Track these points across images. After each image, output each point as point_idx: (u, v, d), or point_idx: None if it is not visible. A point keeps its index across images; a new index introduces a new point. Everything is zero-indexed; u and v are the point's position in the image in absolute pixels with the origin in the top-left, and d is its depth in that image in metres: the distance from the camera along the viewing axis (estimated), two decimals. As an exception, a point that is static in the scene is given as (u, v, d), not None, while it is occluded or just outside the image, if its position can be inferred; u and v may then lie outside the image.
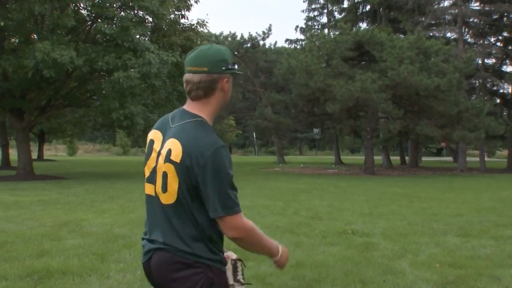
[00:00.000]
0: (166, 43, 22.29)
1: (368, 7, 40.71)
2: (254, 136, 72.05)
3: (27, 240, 7.27)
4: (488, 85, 34.59)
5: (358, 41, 26.59)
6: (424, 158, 53.20)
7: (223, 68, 2.11)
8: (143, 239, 2.22)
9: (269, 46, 50.58)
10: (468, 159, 32.62)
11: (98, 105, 22.45)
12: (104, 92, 20.69)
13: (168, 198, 2.05)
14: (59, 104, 24.56)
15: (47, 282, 5.14)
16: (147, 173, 2.17)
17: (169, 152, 2.04)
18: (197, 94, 2.13)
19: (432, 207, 12.02)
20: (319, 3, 46.23)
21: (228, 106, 47.91)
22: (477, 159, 34.81)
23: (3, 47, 20.95)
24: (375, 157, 30.08)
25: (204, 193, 2.01)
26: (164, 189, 2.05)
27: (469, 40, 35.64)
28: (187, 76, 2.14)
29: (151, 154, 2.16)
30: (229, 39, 46.87)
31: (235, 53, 47.31)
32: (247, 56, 47.11)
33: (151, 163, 2.15)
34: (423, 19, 33.98)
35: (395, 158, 42.88)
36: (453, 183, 21.11)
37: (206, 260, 2.06)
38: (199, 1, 24.49)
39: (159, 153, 2.10)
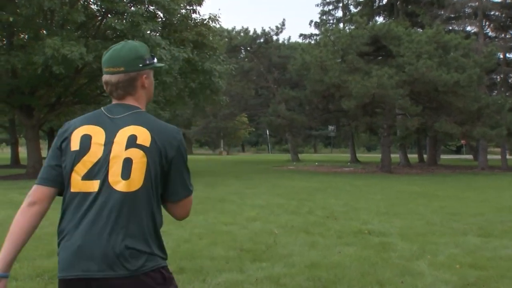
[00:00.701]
0: (178, 39, 22.30)
1: (385, 1, 40.48)
2: (268, 133, 71.92)
3: (37, 240, 7.30)
4: (510, 81, 34.28)
5: (375, 36, 26.42)
6: (443, 156, 52.81)
7: (140, 65, 2.13)
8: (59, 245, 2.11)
9: (283, 41, 50.42)
10: (489, 157, 32.32)
11: (108, 102, 22.53)
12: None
13: (131, 185, 1.98)
14: (68, 101, 24.73)
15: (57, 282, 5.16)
16: (83, 170, 2.02)
17: (132, 138, 2.02)
18: (118, 94, 2.15)
19: (452, 206, 11.94)
20: (334, -3, 46.08)
21: (240, 103, 47.96)
22: (499, 157, 34.46)
23: (12, 43, 21.10)
24: (392, 155, 29.90)
25: (171, 179, 2.07)
26: (127, 175, 1.98)
27: (490, 34, 35.32)
28: (105, 78, 2.15)
29: (89, 148, 2.04)
30: (242, 34, 46.82)
31: (248, 48, 47.34)
32: (260, 51, 47.03)
33: (91, 158, 2.03)
34: (442, 12, 33.68)
35: (413, 156, 42.61)
36: (473, 181, 20.95)
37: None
38: (211, -4, 24.50)
39: (109, 143, 2.03)
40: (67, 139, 2.08)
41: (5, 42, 22.04)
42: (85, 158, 2.02)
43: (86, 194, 2.00)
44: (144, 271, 1.97)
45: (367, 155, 61.40)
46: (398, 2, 37.90)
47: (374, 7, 41.14)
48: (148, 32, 19.93)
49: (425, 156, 41.69)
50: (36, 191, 2.13)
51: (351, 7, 44.56)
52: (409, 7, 37.53)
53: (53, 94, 23.69)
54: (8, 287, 4.99)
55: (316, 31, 46.49)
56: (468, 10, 33.73)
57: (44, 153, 32.37)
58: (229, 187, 17.10)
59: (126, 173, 1.98)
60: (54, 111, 24.90)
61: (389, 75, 23.82)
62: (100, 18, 22.48)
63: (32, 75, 20.26)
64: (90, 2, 21.53)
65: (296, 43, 48.19)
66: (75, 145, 2.05)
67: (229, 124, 60.02)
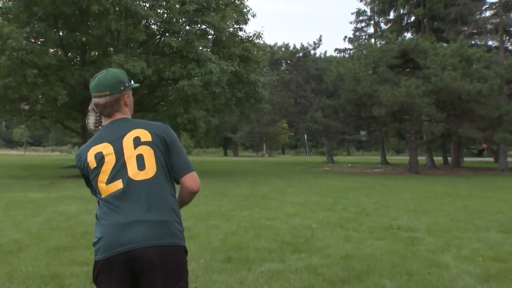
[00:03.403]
0: (226, 54, 22.49)
1: (412, 18, 39.84)
2: (305, 138, 71.81)
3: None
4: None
5: (403, 50, 26.05)
6: (465, 159, 51.60)
7: (121, 88, 2.39)
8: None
9: (320, 55, 50.27)
10: (509, 159, 31.46)
11: (165, 110, 22.88)
12: (170, 98, 21.11)
13: (148, 172, 2.24)
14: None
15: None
16: (104, 178, 2.26)
17: (137, 139, 2.28)
18: (107, 112, 2.38)
19: (474, 204, 11.65)
20: (366, 15, 45.62)
21: (281, 111, 47.98)
22: (518, 160, 33.53)
23: (84, 59, 21.67)
24: (419, 158, 29.42)
25: (174, 159, 2.34)
26: (142, 167, 2.24)
27: (510, 47, 34.45)
28: (94, 101, 2.39)
29: (104, 160, 2.27)
30: (283, 49, 46.83)
31: (288, 61, 47.28)
32: (299, 64, 46.95)
33: (108, 167, 2.26)
34: (466, 28, 32.99)
35: (438, 159, 41.78)
36: (494, 182, 20.39)
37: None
38: (255, 15, 24.63)
39: (119, 150, 2.27)
40: (85, 162, 2.32)
41: (78, 58, 22.64)
42: (103, 168, 2.26)
43: (113, 194, 2.23)
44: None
45: (396, 158, 60.50)
46: (425, 19, 37.25)
47: (403, 24, 40.56)
48: (200, 48, 20.16)
49: (449, 158, 40.83)
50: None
51: (382, 24, 44.02)
52: (435, 23, 36.90)
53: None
54: (80, 271, 5.12)
55: (350, 46, 46.12)
56: (489, 26, 32.94)
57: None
58: (271, 186, 17.09)
59: (141, 165, 2.24)
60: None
61: (416, 85, 23.48)
62: (159, 36, 22.86)
63: (100, 88, 20.71)
64: (151, 23, 21.91)
65: (332, 56, 47.91)
66: (92, 163, 2.29)
67: (271, 129, 60.13)
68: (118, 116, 2.38)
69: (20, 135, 78.52)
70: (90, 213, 9.37)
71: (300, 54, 47.48)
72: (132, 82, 2.49)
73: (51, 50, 21.84)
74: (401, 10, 39.90)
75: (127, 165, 2.24)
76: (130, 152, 2.25)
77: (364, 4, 43.73)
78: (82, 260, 5.51)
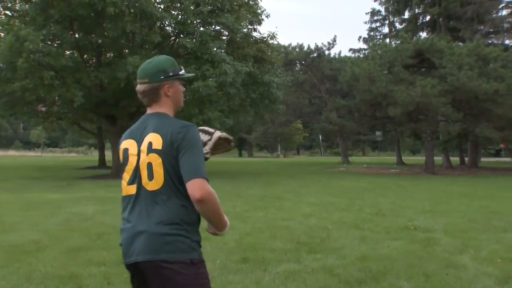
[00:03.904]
0: (240, 55, 22.52)
1: (428, 17, 39.53)
2: (320, 138, 71.63)
3: (120, 231, 7.51)
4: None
5: (419, 49, 25.87)
6: (483, 159, 51.03)
7: (162, 77, 2.27)
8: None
9: (334, 55, 50.20)
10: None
11: (180, 111, 22.90)
12: (185, 99, 21.10)
13: (156, 183, 2.16)
14: (146, 110, 25.32)
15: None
16: (126, 177, 2.26)
17: (150, 144, 2.18)
18: (145, 101, 2.32)
19: (492, 205, 11.51)
20: (381, 15, 45.35)
21: (296, 111, 47.94)
22: (536, 159, 33.12)
23: (100, 61, 21.84)
24: (435, 158, 29.20)
25: (181, 164, 2.13)
26: (151, 177, 2.16)
27: (527, 46, 34.01)
28: (137, 87, 2.33)
29: (128, 160, 2.26)
30: (297, 49, 46.81)
31: (302, 62, 47.19)
32: (314, 65, 46.90)
33: (130, 167, 2.25)
34: (482, 27, 32.71)
35: (455, 159, 41.43)
36: (512, 182, 20.18)
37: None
38: (269, 16, 24.63)
39: (138, 153, 2.22)
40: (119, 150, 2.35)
41: (94, 60, 22.82)
42: (127, 167, 2.26)
43: (129, 196, 2.23)
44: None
45: (412, 158, 60.07)
46: (441, 19, 36.94)
47: (418, 23, 40.25)
48: (215, 49, 20.21)
49: (466, 158, 40.44)
50: None
51: (397, 24, 43.73)
52: (451, 23, 36.54)
53: (133, 104, 24.27)
54: (97, 272, 5.17)
55: (365, 46, 45.89)
56: (506, 25, 32.64)
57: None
58: (286, 186, 17.07)
59: (150, 175, 2.16)
60: (134, 120, 25.48)
61: (432, 85, 23.30)
62: (173, 38, 22.95)
63: (116, 89, 20.87)
64: (165, 25, 22.01)
65: (346, 57, 47.73)
66: (121, 158, 2.31)
67: (286, 130, 60.13)
68: (155, 107, 2.30)
69: (37, 136, 79.36)
70: (107, 214, 9.44)
71: (315, 55, 47.42)
72: (183, 71, 2.36)
73: (67, 52, 22.05)
74: (416, 10, 39.59)
75: (141, 171, 2.20)
76: (143, 158, 2.19)
77: (379, 4, 43.49)
78: (99, 261, 5.55)
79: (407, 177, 23.93)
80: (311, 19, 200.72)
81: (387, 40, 41.70)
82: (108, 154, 33.08)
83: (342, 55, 50.81)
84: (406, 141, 48.64)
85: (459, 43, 29.98)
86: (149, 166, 2.16)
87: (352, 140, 44.91)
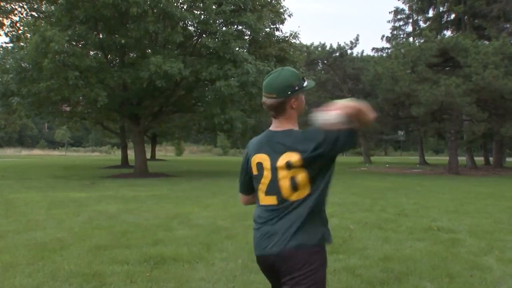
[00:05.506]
0: (262, 54, 22.51)
1: (452, 16, 39.03)
2: (342, 138, 71.08)
3: (144, 230, 7.58)
4: None
5: (443, 48, 25.53)
6: (508, 159, 50.26)
7: (289, 92, 2.34)
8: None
9: (357, 55, 49.74)
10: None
11: (202, 111, 23.05)
12: (207, 99, 21.24)
13: (300, 194, 2.30)
14: (169, 110, 25.48)
15: (161, 267, 5.32)
16: (263, 188, 2.39)
17: (289, 163, 2.28)
18: (272, 113, 2.41)
19: (518, 206, 11.32)
20: (405, 14, 44.89)
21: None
22: None
23: (123, 61, 22.03)
24: (459, 158, 28.81)
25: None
26: (296, 188, 2.29)
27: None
28: (263, 99, 2.42)
29: (263, 173, 2.39)
30: (319, 49, 46.59)
31: (325, 61, 46.98)
32: (336, 64, 46.65)
33: (266, 180, 2.38)
34: (508, 25, 32.17)
35: (479, 159, 40.85)
36: (538, 183, 19.79)
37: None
38: (292, 15, 24.56)
39: (274, 169, 2.34)
40: (250, 163, 2.48)
41: (117, 60, 23.03)
42: (262, 180, 2.39)
43: (267, 207, 2.37)
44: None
45: (435, 158, 59.43)
46: (466, 17, 36.45)
47: (442, 22, 39.77)
48: (237, 49, 20.22)
49: (490, 159, 39.88)
50: (241, 198, 2.71)
51: (421, 23, 43.24)
52: (476, 21, 36.03)
53: (156, 104, 24.48)
54: (120, 270, 5.22)
55: (388, 45, 45.45)
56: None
57: (147, 155, 33.49)
58: (308, 186, 16.98)
59: (294, 187, 2.29)
60: (156, 119, 25.73)
61: (456, 84, 23.00)
62: (196, 38, 23.04)
63: (139, 89, 21.04)
64: (188, 24, 22.10)
65: (369, 56, 47.36)
66: (255, 170, 2.44)
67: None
68: (282, 120, 2.40)
69: (62, 136, 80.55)
70: (130, 213, 9.53)
71: (337, 54, 47.15)
72: (305, 82, 2.43)
73: (92, 53, 22.31)
74: (441, 8, 39.15)
75: (280, 185, 2.31)
76: (284, 174, 2.30)
77: (403, 3, 43.00)
78: (122, 259, 5.59)
79: (430, 177, 23.68)
80: (333, 19, 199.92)
81: (411, 39, 41.21)
82: (131, 154, 33.50)
83: (364, 54, 50.35)
84: (429, 140, 48.17)
85: (485, 42, 29.52)
86: (293, 179, 2.29)
87: (375, 139, 44.70)
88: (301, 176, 2.27)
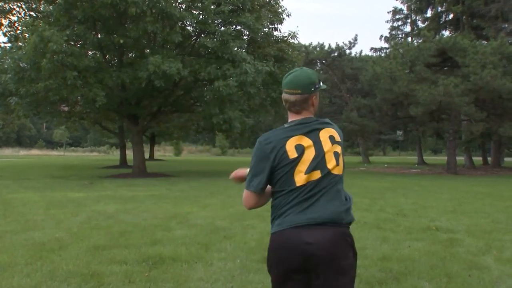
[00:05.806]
0: (261, 54, 22.49)
1: (451, 16, 39.07)
2: (341, 138, 71.07)
3: (142, 230, 7.57)
4: None
5: (441, 48, 25.57)
6: (506, 159, 50.33)
7: (312, 89, 2.49)
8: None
9: (355, 55, 49.83)
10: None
11: (201, 111, 23.05)
12: (206, 99, 21.25)
13: (340, 169, 2.46)
14: (167, 110, 25.46)
15: (160, 267, 5.31)
16: (304, 168, 2.39)
17: (332, 137, 2.47)
18: (295, 109, 2.51)
19: (516, 206, 11.34)
20: (403, 14, 44.96)
21: (316, 111, 47.80)
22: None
23: (122, 61, 22.01)
24: (457, 158, 28.84)
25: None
26: (338, 163, 2.44)
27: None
28: (285, 96, 2.52)
29: (304, 152, 2.41)
30: (318, 49, 46.63)
31: (323, 61, 47.00)
32: (334, 64, 46.69)
33: (308, 157, 2.40)
34: (506, 25, 32.21)
35: (477, 159, 40.89)
36: (537, 183, 19.81)
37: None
38: (290, 15, 24.55)
39: (318, 142, 2.43)
40: (282, 151, 2.42)
41: (116, 60, 23.01)
42: (303, 159, 2.40)
43: (312, 182, 2.39)
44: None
45: (433, 158, 59.48)
46: (464, 17, 36.49)
47: (441, 22, 39.82)
48: (235, 48, 20.21)
49: (489, 158, 39.93)
50: (251, 200, 2.59)
51: (419, 23, 43.30)
52: (474, 21, 36.09)
53: (154, 104, 24.44)
54: (118, 270, 5.22)
55: (386, 45, 45.56)
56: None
57: (146, 155, 33.42)
58: (306, 186, 16.97)
59: (337, 161, 2.44)
60: (155, 119, 25.71)
61: (455, 84, 23.03)
62: (194, 37, 23.02)
63: (137, 88, 21.01)
64: (186, 24, 22.09)
65: (367, 56, 47.41)
66: (293, 153, 2.41)
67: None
68: (305, 113, 2.52)
69: (60, 136, 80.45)
70: (128, 213, 9.52)
71: (335, 54, 47.19)
72: (321, 83, 2.57)
73: (90, 53, 22.27)
74: (439, 8, 39.18)
75: (326, 158, 2.42)
76: (329, 147, 2.44)
77: (401, 3, 43.04)
78: (120, 259, 5.59)
79: (428, 177, 23.70)
80: (332, 19, 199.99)
81: (409, 39, 41.31)
82: (129, 154, 33.49)
83: (363, 54, 50.43)
84: (427, 140, 48.21)
85: (483, 42, 29.56)
86: (336, 154, 2.45)
87: (373, 139, 44.66)
88: (340, 151, 2.47)
